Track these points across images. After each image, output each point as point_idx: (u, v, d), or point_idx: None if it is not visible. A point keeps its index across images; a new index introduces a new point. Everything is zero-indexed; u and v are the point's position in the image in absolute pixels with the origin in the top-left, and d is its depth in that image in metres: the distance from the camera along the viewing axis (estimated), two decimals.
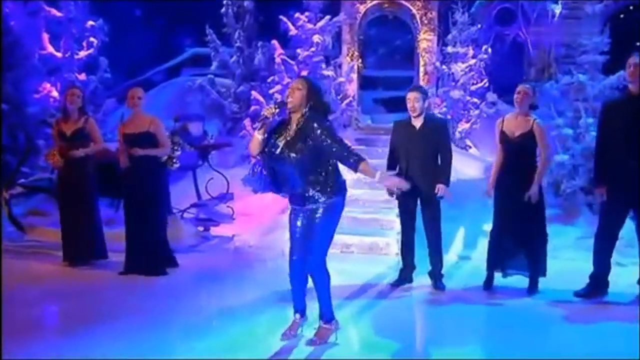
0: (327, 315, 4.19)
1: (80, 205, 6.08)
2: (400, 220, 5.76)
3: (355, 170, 3.91)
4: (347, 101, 9.55)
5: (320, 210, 3.99)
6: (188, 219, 7.67)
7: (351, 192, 8.30)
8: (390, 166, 5.53)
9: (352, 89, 9.97)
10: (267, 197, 8.33)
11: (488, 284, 5.55)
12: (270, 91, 9.28)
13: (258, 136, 3.94)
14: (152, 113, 6.04)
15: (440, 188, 5.41)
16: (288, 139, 3.93)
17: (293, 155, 3.90)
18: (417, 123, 5.48)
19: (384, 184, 4.04)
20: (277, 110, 3.89)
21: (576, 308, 5.05)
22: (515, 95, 5.36)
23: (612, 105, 5.31)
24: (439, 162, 5.46)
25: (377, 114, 11.65)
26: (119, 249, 5.98)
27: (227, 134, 10.41)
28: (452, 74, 9.47)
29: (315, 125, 3.89)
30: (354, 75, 10.03)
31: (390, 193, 5.41)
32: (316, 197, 3.99)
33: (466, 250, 6.80)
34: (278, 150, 3.94)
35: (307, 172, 3.93)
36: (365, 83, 11.11)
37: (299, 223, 4.06)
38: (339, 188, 4.07)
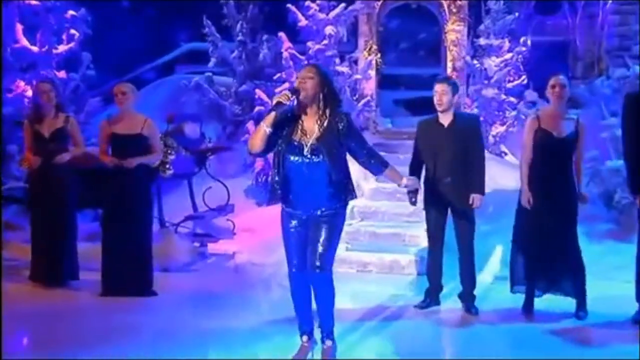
0: (330, 331, 4.24)
1: (55, 218, 6.07)
2: (427, 235, 5.73)
3: (380, 173, 4.05)
4: (364, 101, 9.56)
5: (331, 216, 4.05)
6: (182, 234, 7.70)
7: (369, 204, 8.64)
8: (414, 172, 5.54)
9: (370, 87, 9.99)
10: (272, 210, 8.35)
11: (528, 307, 5.49)
12: (277, 90, 9.22)
13: (265, 128, 3.94)
14: (145, 114, 6.06)
15: (474, 198, 5.39)
16: (317, 136, 3.95)
17: (322, 156, 3.94)
18: (445, 120, 5.47)
19: (409, 187, 4.06)
20: (293, 98, 3.91)
21: (633, 335, 4.96)
22: (552, 89, 5.34)
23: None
24: (472, 166, 5.44)
25: (398, 117, 11.62)
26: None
27: (228, 139, 10.43)
28: (485, 70, 9.46)
29: (346, 122, 3.98)
30: (372, 73, 10.06)
31: (413, 202, 5.43)
32: (330, 203, 4.00)
33: (503, 270, 6.74)
34: (306, 150, 3.94)
35: (329, 175, 3.98)
36: (385, 82, 11.10)
37: (297, 228, 4.12)
38: (351, 194, 4.13)
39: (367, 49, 10.08)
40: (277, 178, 4.05)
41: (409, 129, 10.29)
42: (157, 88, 11.85)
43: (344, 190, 4.07)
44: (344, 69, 9.39)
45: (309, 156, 3.98)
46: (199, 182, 8.19)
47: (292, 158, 4.00)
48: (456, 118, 5.47)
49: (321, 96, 3.99)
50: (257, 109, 9.26)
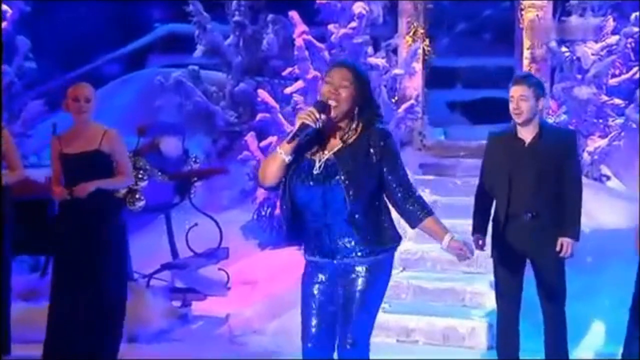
0: None
1: None
2: (496, 293, 5.72)
3: (416, 225, 4.06)
4: (406, 105, 9.58)
5: (365, 270, 4.04)
6: (157, 289, 7.72)
7: (414, 247, 8.53)
8: (483, 207, 5.54)
9: (415, 86, 10.04)
10: (280, 256, 8.43)
11: None
12: (287, 90, 9.39)
13: (284, 157, 3.96)
14: (105, 123, 6.11)
15: (565, 244, 5.36)
16: (336, 150, 3.98)
17: (339, 177, 3.94)
18: (527, 135, 5.45)
19: (453, 251, 4.11)
20: (322, 117, 3.94)
21: None
22: None
23: None
24: (563, 199, 5.42)
25: (453, 126, 11.71)
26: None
27: (219, 157, 10.46)
28: (578, 60, 9.46)
29: (384, 141, 3.97)
30: (418, 66, 10.10)
31: (480, 245, 5.47)
32: (359, 249, 4.02)
33: (610, 345, 6.69)
34: (316, 169, 3.98)
35: (353, 206, 3.96)
36: (436, 77, 11.10)
37: (322, 286, 4.12)
38: (393, 237, 4.13)
39: (411, 33, 10.15)
40: (284, 208, 4.08)
41: (468, 142, 10.41)
42: (123, 87, 12.01)
43: (372, 236, 4.04)
44: (378, 61, 9.44)
45: (321, 176, 3.99)
46: (180, 218, 8.23)
47: (299, 180, 4.03)
48: (542, 132, 5.43)
49: (357, 110, 4.02)
50: (259, 116, 9.34)
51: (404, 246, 8.02)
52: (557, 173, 5.39)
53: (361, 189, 3.94)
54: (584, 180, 7.63)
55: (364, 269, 4.03)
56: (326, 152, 4.00)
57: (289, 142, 3.91)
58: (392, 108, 9.53)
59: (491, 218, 5.56)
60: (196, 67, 11.08)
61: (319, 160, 3.99)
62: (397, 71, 9.68)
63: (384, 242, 4.06)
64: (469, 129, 11.58)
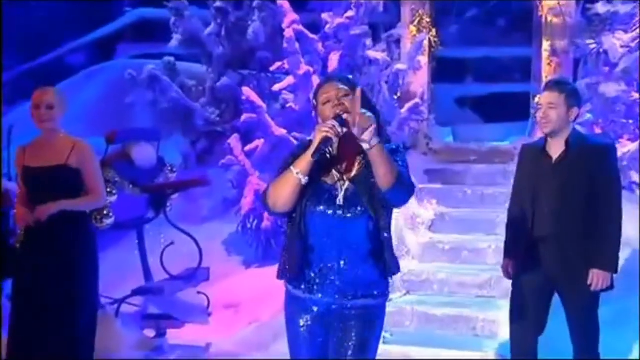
0: None
1: None
2: (510, 320, 5.64)
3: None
4: (410, 105, 9.57)
5: (369, 310, 4.08)
6: (128, 316, 7.67)
7: (419, 268, 8.54)
8: (513, 228, 5.54)
9: (420, 82, 10.07)
10: (267, 275, 8.37)
11: None
12: (276, 87, 9.38)
13: (300, 176, 3.91)
14: (66, 124, 6.06)
15: (595, 276, 5.31)
16: (354, 175, 3.98)
17: (360, 207, 3.95)
18: (555, 150, 5.38)
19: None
20: (342, 132, 3.92)
21: None
22: None
23: None
24: (595, 224, 5.33)
25: (463, 125, 11.76)
26: None
27: (199, 161, 10.42)
28: (605, 52, 9.44)
29: (399, 159, 3.99)
30: (423, 59, 10.11)
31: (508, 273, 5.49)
32: (371, 285, 4.05)
33: None
34: (340, 198, 3.96)
35: (376, 238, 3.98)
36: (443, 71, 11.13)
37: (312, 327, 4.11)
38: (396, 266, 4.16)
39: (416, 23, 10.15)
40: (295, 241, 4.03)
41: (480, 144, 10.45)
42: (88, 81, 11.96)
43: (390, 262, 4.07)
44: (378, 54, 9.45)
45: (341, 207, 3.98)
46: (154, 235, 8.18)
47: (320, 209, 4.00)
48: (570, 147, 5.39)
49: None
50: (244, 117, 9.27)
51: (408, 266, 8.05)
52: (587, 194, 5.32)
53: (382, 213, 3.99)
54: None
55: (363, 309, 4.06)
56: (344, 176, 4.00)
57: (312, 157, 3.87)
58: (394, 107, 9.54)
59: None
60: (172, 59, 11.05)
61: (341, 187, 3.99)
62: (399, 66, 9.69)
63: (387, 282, 4.13)
64: (480, 129, 11.59)
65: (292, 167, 3.91)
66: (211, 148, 10.47)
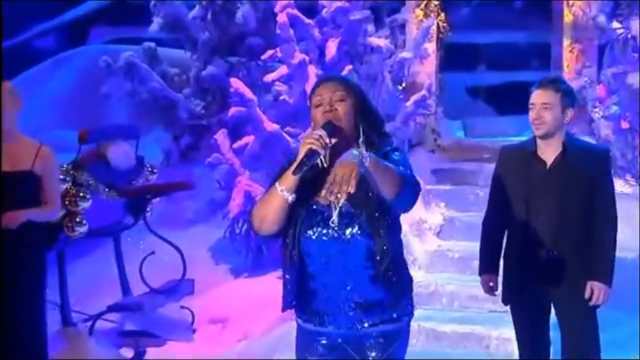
0: None
1: None
2: (517, 343, 5.66)
3: None
4: (416, 97, 9.53)
5: (387, 337, 4.03)
6: (103, 334, 7.66)
7: (426, 279, 8.46)
8: (491, 241, 5.52)
9: (427, 72, 10.08)
10: (258, 286, 8.39)
11: None
12: (268, 77, 9.33)
13: (286, 195, 3.87)
14: (34, 116, 6.02)
15: (595, 290, 5.32)
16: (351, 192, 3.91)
17: (358, 226, 3.90)
18: (548, 153, 5.38)
19: None
20: (331, 142, 3.86)
21: None
22: None
23: None
24: (592, 235, 5.34)
25: (475, 118, 11.78)
26: None
27: (182, 160, 10.40)
28: (633, 38, 9.44)
29: (397, 157, 3.95)
30: (431, 46, 10.10)
31: (490, 287, 5.49)
32: (383, 310, 4.00)
33: None
34: (334, 218, 3.92)
35: (380, 262, 3.93)
36: (453, 57, 11.14)
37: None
38: (410, 292, 4.15)
39: (423, 6, 10.17)
40: (291, 268, 4.00)
41: (493, 140, 10.38)
42: (58, 68, 11.92)
43: (402, 285, 4.05)
44: (381, 41, 9.42)
45: (337, 228, 3.94)
46: (133, 243, 8.19)
47: (312, 233, 3.96)
48: (567, 151, 5.40)
49: (360, 126, 3.96)
50: (232, 110, 9.24)
51: (414, 277, 7.93)
52: (585, 202, 5.34)
53: (383, 232, 3.91)
54: (634, 190, 7.61)
55: (380, 337, 4.02)
56: (339, 195, 3.93)
57: (294, 174, 3.82)
58: (399, 99, 9.51)
59: (502, 255, 5.54)
60: (152, 44, 11.03)
61: (335, 209, 3.93)
62: (404, 54, 9.69)
63: (408, 301, 4.09)
64: (494, 122, 11.59)
65: (276, 184, 3.87)
66: (196, 144, 10.45)
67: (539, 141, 5.39)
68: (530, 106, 5.35)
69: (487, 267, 5.57)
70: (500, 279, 5.54)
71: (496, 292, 5.54)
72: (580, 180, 5.33)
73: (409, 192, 3.78)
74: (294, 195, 3.85)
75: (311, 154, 3.75)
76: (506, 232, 5.52)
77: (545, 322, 5.53)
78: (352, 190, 3.51)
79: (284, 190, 3.84)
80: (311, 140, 3.75)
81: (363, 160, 3.56)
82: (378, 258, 3.89)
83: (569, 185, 5.33)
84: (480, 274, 5.56)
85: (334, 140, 3.80)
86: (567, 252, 5.34)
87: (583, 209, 5.34)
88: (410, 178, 3.81)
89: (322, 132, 3.79)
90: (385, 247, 3.90)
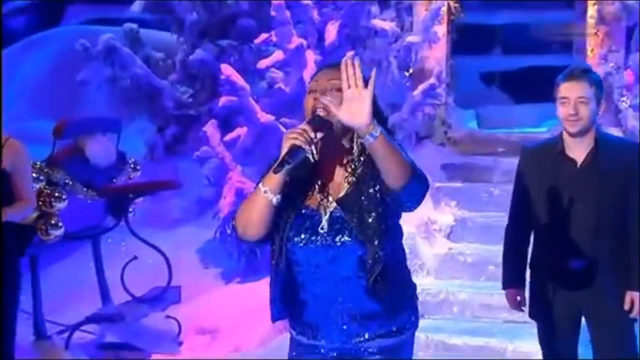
0: None
1: None
2: (543, 357, 5.69)
3: None
4: (424, 86, 9.58)
5: (387, 352, 4.02)
6: (81, 347, 7.65)
7: (435, 285, 8.49)
8: (515, 250, 5.53)
9: (437, 57, 10.08)
10: (251, 292, 8.38)
11: None
12: (262, 63, 9.34)
13: (268, 195, 3.84)
14: (5, 110, 6.06)
15: (636, 300, 5.30)
16: (342, 196, 3.90)
17: (348, 232, 3.88)
18: (579, 152, 5.36)
19: None
20: (317, 136, 3.82)
21: None
22: None
23: None
24: (628, 240, 5.33)
25: (489, 107, 11.76)
26: None
27: (167, 154, 10.40)
28: None
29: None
30: (441, 29, 10.10)
31: (518, 303, 5.49)
32: (381, 323, 3.99)
33: None
34: (323, 224, 3.92)
35: (364, 263, 3.90)
36: (466, 42, 11.13)
37: None
38: (414, 302, 4.14)
39: None
40: (277, 277, 4.00)
41: (509, 132, 10.41)
42: (29, 52, 11.89)
43: (402, 295, 4.05)
44: (386, 24, 9.45)
45: (326, 234, 3.95)
46: (114, 246, 8.19)
47: (299, 240, 3.96)
48: (599, 148, 5.38)
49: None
50: (223, 99, 9.24)
51: (421, 283, 7.93)
52: (620, 204, 5.33)
53: (378, 239, 3.87)
54: None
55: (378, 352, 4.01)
56: (330, 197, 3.94)
57: (275, 172, 3.80)
58: (406, 87, 9.51)
59: (528, 264, 5.54)
60: (135, 26, 11.02)
61: (325, 213, 3.94)
62: (412, 38, 9.70)
63: (410, 313, 4.07)
64: (510, 112, 11.58)
65: (259, 184, 3.86)
66: (183, 136, 10.45)
67: (566, 138, 5.36)
68: (563, 100, 5.26)
69: (512, 279, 5.56)
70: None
71: (524, 308, 5.54)
72: (615, 179, 5.31)
73: (417, 185, 3.74)
74: (278, 197, 3.83)
75: (294, 150, 3.71)
76: (532, 239, 5.50)
77: (575, 337, 5.53)
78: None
79: (268, 191, 3.81)
80: (294, 135, 3.71)
81: (373, 131, 3.56)
82: (368, 267, 3.86)
83: (603, 185, 5.30)
84: (504, 288, 5.54)
85: (320, 135, 3.77)
86: (602, 260, 5.33)
87: (618, 211, 5.33)
88: (420, 171, 3.76)
89: (307, 127, 3.73)
90: (377, 256, 3.86)
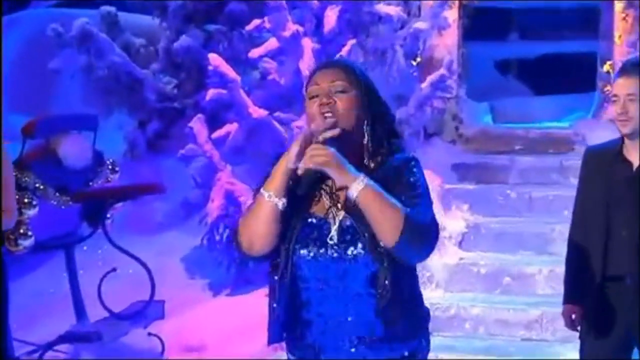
0: None
1: None
2: None
3: None
4: (434, 77, 9.56)
5: None
6: None
7: (445, 299, 8.44)
8: (576, 263, 5.54)
9: (447, 45, 10.14)
10: (241, 305, 8.41)
11: None
12: (254, 52, 9.35)
13: (274, 199, 3.87)
14: None
15: None
16: (350, 205, 3.87)
17: (360, 244, 3.87)
18: (635, 154, 5.42)
19: None
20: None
21: None
22: None
23: None
24: None
25: (505, 99, 11.81)
26: None
27: (149, 151, 10.42)
28: None
29: (405, 169, 3.92)
30: (451, 14, 10.14)
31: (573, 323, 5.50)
32: (392, 343, 3.98)
33: None
34: (332, 234, 3.93)
35: (376, 279, 3.91)
36: (479, 27, 11.13)
37: None
38: (425, 317, 4.14)
39: None
40: (279, 296, 4.02)
41: (528, 128, 10.47)
42: None
43: (416, 316, 4.05)
44: (391, 9, 9.46)
45: (336, 246, 3.97)
46: (91, 255, 8.22)
47: (306, 252, 3.98)
48: None
49: (366, 130, 3.97)
50: (211, 92, 9.27)
51: (430, 297, 7.97)
52: None
53: (392, 261, 3.86)
54: None
55: None
56: (339, 203, 3.94)
57: (275, 171, 3.83)
58: (414, 78, 9.53)
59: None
60: (113, 9, 11.03)
61: (334, 220, 3.96)
62: (419, 24, 9.72)
63: (420, 334, 4.07)
64: (528, 105, 11.57)
65: (262, 190, 3.86)
66: (166, 131, 10.47)
67: (626, 140, 5.39)
68: (614, 99, 5.33)
69: (572, 294, 5.56)
70: None
71: (578, 327, 5.51)
72: None
73: (415, 239, 3.72)
74: (284, 200, 3.84)
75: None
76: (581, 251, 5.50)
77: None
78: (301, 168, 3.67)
79: (272, 196, 3.83)
80: (323, 157, 3.74)
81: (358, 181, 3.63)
82: (381, 283, 3.84)
83: None
84: (564, 302, 5.55)
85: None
86: None
87: None
88: (421, 219, 3.72)
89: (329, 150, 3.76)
90: (390, 271, 3.84)
